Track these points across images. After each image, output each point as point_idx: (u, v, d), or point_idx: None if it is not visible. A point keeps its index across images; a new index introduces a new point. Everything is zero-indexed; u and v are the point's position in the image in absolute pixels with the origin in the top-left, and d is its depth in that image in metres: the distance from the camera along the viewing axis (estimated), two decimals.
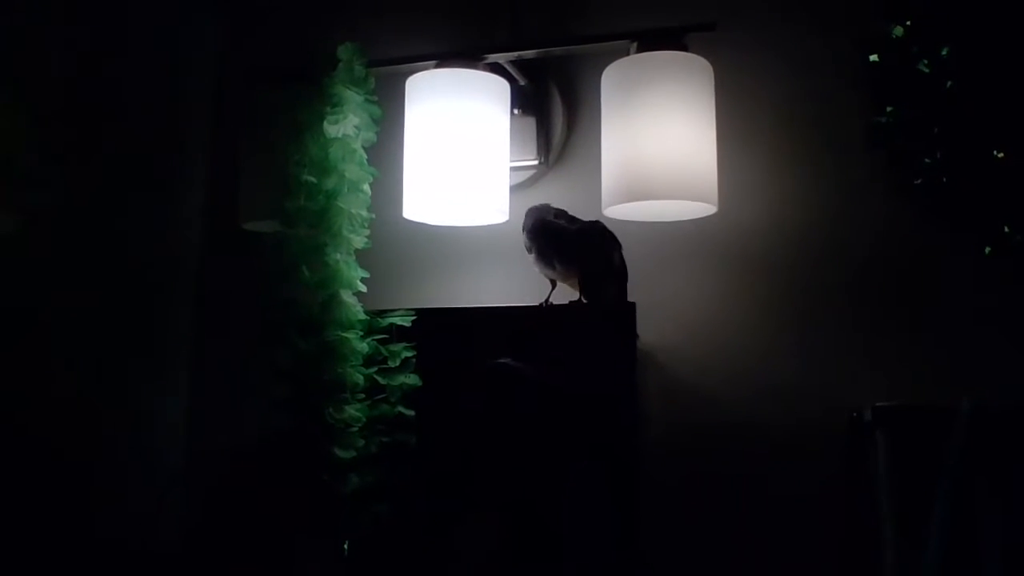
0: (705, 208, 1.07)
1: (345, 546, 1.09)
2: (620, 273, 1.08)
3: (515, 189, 1.21)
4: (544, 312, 1.11)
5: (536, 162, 1.23)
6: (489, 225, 1.16)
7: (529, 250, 1.11)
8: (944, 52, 1.08)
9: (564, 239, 1.09)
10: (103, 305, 1.23)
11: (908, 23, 1.10)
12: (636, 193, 1.04)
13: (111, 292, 1.24)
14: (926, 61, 1.09)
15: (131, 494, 1.23)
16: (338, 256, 1.10)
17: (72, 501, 1.15)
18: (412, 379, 1.11)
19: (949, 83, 1.08)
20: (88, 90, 1.22)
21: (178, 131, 1.36)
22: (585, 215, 1.12)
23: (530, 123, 1.24)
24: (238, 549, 1.15)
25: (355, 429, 1.08)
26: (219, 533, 1.18)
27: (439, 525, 1.10)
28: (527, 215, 1.12)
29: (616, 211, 1.08)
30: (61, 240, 1.17)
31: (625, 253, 1.10)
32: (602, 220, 1.10)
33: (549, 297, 1.11)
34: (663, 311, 1.14)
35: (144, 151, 1.30)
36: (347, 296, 1.10)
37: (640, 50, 1.07)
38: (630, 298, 1.08)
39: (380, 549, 1.09)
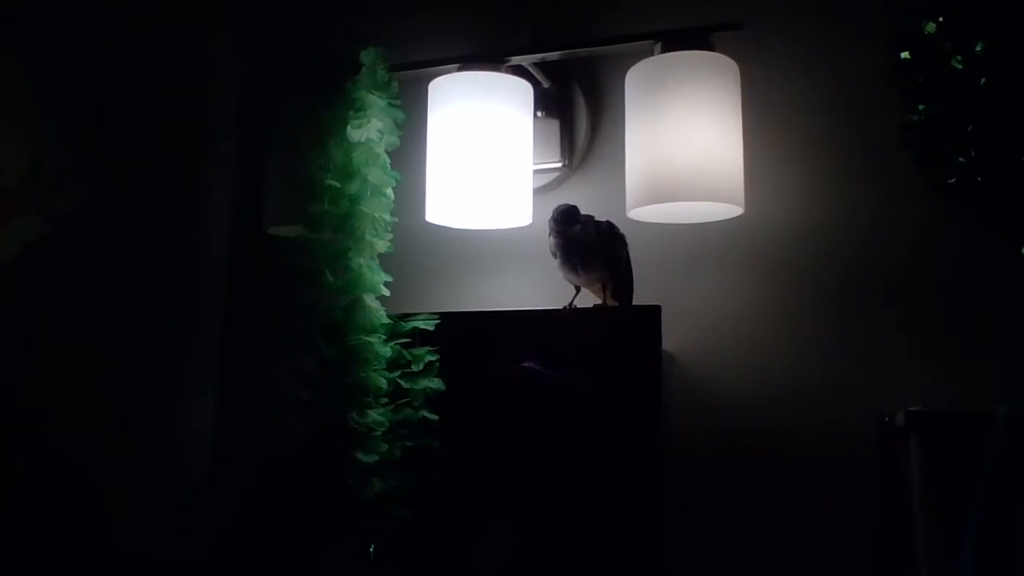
0: (731, 209, 1.05)
1: (371, 550, 1.09)
2: (626, 271, 1.07)
3: (539, 192, 1.21)
4: (568, 316, 1.10)
5: (560, 164, 1.22)
6: (512, 228, 1.16)
7: (554, 255, 1.10)
8: (978, 48, 1.05)
9: (588, 245, 1.07)
10: (130, 310, 1.24)
11: (940, 19, 1.07)
12: (661, 195, 1.03)
13: (137, 297, 1.25)
14: (959, 57, 1.06)
15: (157, 500, 1.23)
16: (361, 260, 1.10)
17: (98, 508, 1.16)
18: (436, 383, 1.11)
19: (983, 79, 1.05)
20: (114, 96, 1.23)
21: (205, 137, 1.37)
22: (610, 218, 1.11)
23: (554, 125, 1.23)
24: (263, 554, 1.15)
25: (378, 433, 1.07)
26: (245, 538, 1.19)
27: (464, 529, 1.09)
28: (555, 220, 1.10)
29: (640, 213, 1.06)
30: (88, 245, 1.18)
31: (650, 256, 1.09)
32: (626, 222, 1.09)
33: (573, 301, 1.10)
34: (689, 314, 1.12)
35: (171, 157, 1.31)
36: (370, 300, 1.10)
37: (664, 50, 1.06)
38: (655, 301, 1.07)
39: (406, 553, 1.08)
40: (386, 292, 1.11)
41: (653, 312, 1.03)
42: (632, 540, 1.01)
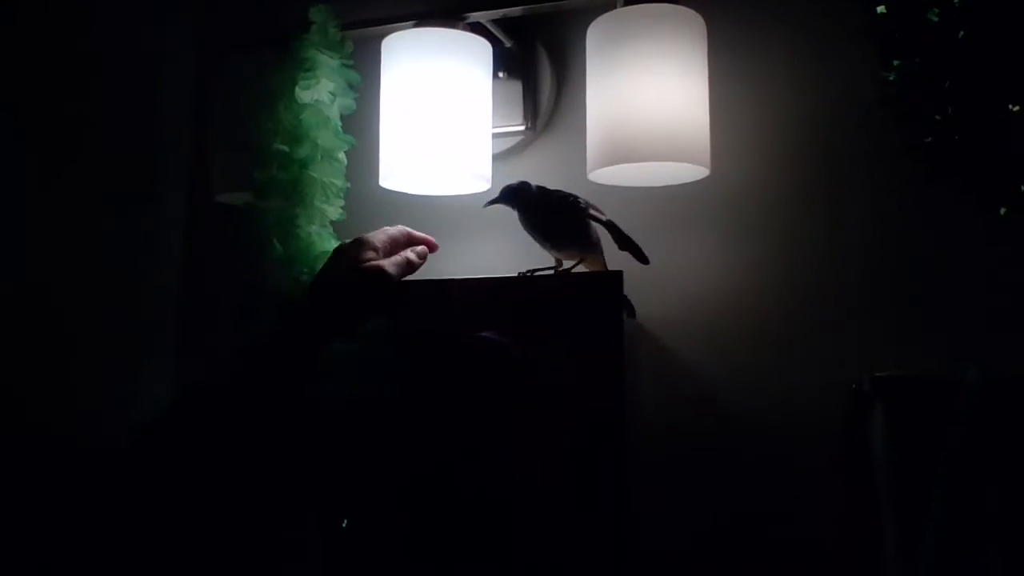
0: (697, 171, 1.00)
1: (344, 524, 1.05)
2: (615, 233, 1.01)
3: (501, 156, 1.16)
4: (529, 283, 1.05)
5: (523, 128, 1.17)
6: (470, 194, 1.11)
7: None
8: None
9: (550, 224, 1.01)
10: (84, 291, 1.19)
11: None
12: (623, 155, 0.98)
13: (92, 275, 1.20)
14: (936, 9, 1.01)
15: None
16: (312, 228, 1.05)
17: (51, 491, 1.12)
18: (392, 354, 1.07)
19: (961, 32, 1.00)
20: (63, 69, 1.18)
21: (159, 104, 1.32)
22: (575, 182, 1.07)
23: (516, 87, 1.18)
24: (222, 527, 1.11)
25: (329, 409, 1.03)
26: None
27: (421, 508, 1.05)
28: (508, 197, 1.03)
29: (602, 175, 1.02)
30: (34, 219, 1.13)
31: (613, 220, 1.04)
32: (588, 185, 1.04)
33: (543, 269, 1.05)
34: (652, 281, 1.08)
35: (124, 127, 1.26)
36: None
37: (627, 3, 1.00)
38: (619, 267, 1.02)
39: (376, 530, 1.05)
40: None
41: (615, 278, 0.98)
42: (595, 514, 0.97)
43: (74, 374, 1.17)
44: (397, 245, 0.93)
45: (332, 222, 1.07)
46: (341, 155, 1.08)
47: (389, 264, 0.90)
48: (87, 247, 1.20)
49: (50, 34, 1.16)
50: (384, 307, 0.94)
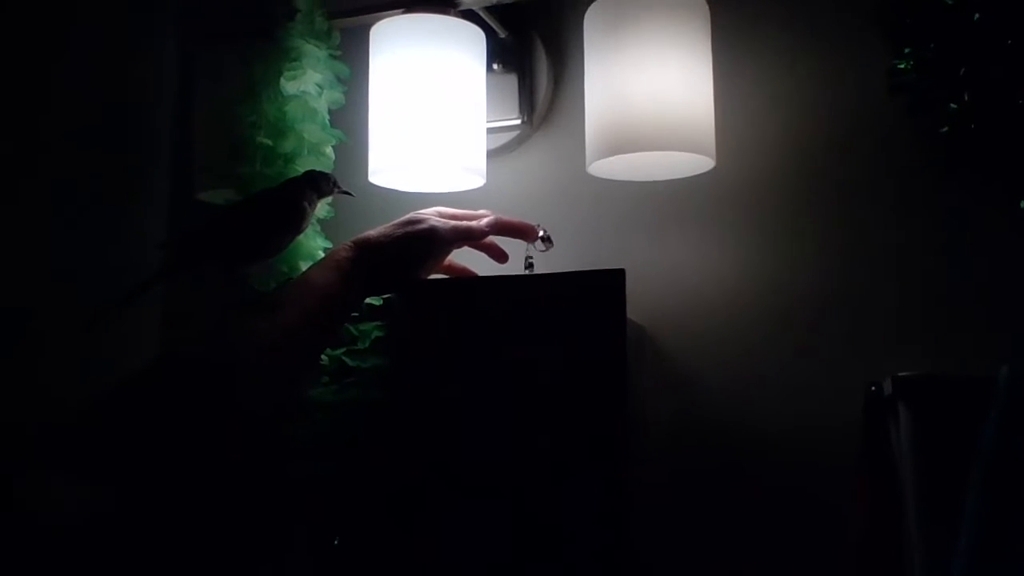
0: (702, 162, 0.96)
1: (336, 542, 1.00)
2: None
3: (497, 152, 1.11)
4: (525, 282, 1.00)
5: (519, 122, 1.13)
6: (464, 191, 1.06)
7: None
8: None
9: None
10: (63, 287, 1.14)
11: None
12: (623, 145, 0.93)
13: (69, 272, 1.15)
14: None
15: None
16: None
17: None
18: (385, 361, 1.02)
19: (976, 15, 0.95)
20: (38, 56, 1.13)
21: (139, 96, 1.27)
22: (573, 178, 1.02)
23: (511, 80, 1.13)
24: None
25: (320, 415, 0.98)
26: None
27: (417, 517, 1.00)
28: None
29: (602, 167, 0.97)
30: (13, 218, 1.09)
31: (613, 216, 0.99)
32: (586, 179, 0.99)
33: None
34: (656, 281, 1.03)
35: (102, 120, 1.21)
36: None
37: None
38: (620, 265, 0.96)
39: (371, 544, 0.99)
40: None
41: (616, 276, 0.93)
42: (593, 534, 0.92)
43: (52, 370, 1.11)
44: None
45: (319, 220, 1.02)
46: (328, 150, 1.03)
47: (439, 222, 0.90)
48: (66, 244, 1.15)
49: (24, 20, 1.11)
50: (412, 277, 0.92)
